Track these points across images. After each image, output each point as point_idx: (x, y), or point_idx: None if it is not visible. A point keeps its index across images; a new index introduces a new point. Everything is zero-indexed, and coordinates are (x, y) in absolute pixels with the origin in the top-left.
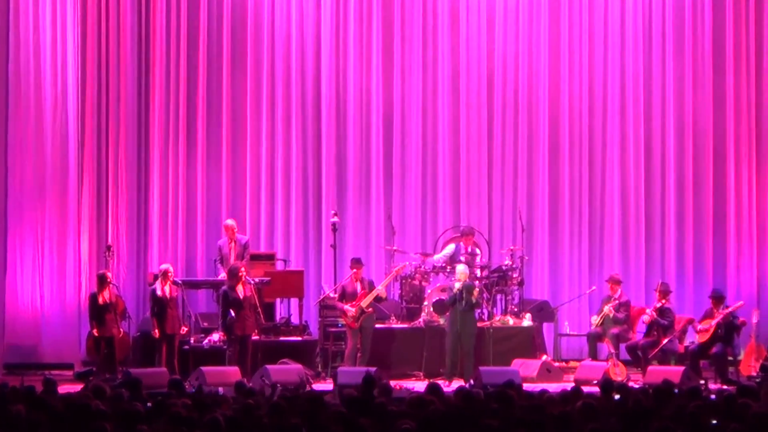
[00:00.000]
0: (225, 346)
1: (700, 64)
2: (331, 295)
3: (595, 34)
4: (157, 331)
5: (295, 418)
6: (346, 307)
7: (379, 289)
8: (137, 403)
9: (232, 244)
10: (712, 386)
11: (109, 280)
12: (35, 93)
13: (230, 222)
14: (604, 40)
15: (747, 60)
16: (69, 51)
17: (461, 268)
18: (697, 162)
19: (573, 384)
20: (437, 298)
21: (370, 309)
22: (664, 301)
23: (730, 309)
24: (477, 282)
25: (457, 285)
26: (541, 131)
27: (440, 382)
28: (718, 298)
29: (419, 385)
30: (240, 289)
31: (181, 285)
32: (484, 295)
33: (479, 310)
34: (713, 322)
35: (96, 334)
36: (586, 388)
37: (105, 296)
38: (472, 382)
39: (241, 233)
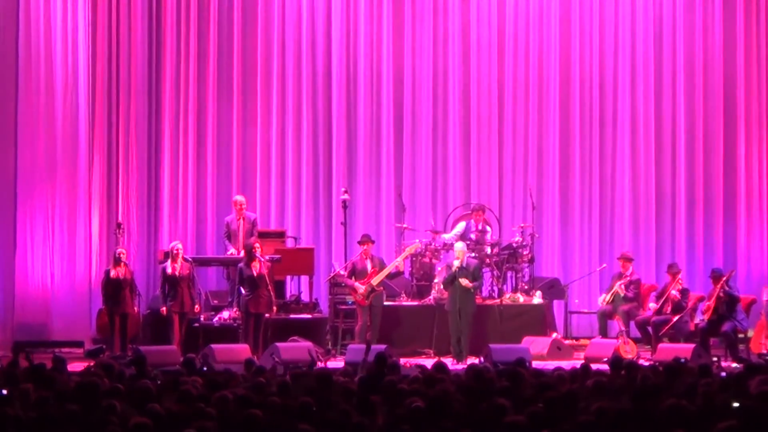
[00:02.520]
0: (236, 324)
1: (710, 42)
2: (341, 272)
3: (605, 11)
4: (164, 308)
5: (304, 396)
6: (356, 284)
7: (398, 262)
8: (147, 381)
9: (241, 220)
10: (723, 364)
11: (122, 258)
12: (45, 70)
13: (240, 198)
14: (615, 18)
15: (757, 42)
16: (79, 28)
17: (460, 246)
18: (707, 139)
19: (583, 362)
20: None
21: (380, 287)
22: (680, 280)
23: (723, 279)
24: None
25: (456, 263)
26: (552, 108)
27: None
28: (716, 277)
29: (429, 363)
30: (255, 266)
31: (191, 262)
32: (494, 272)
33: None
34: (714, 298)
35: (111, 311)
36: (595, 366)
37: (120, 273)
38: (482, 359)
39: (249, 210)
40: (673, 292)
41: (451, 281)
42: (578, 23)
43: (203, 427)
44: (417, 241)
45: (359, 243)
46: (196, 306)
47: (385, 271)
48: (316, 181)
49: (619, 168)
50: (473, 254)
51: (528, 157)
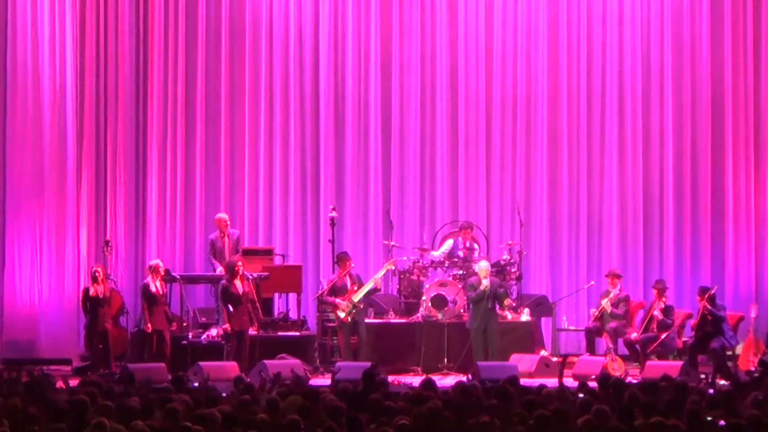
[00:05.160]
0: (223, 342)
1: (698, 58)
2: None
3: (593, 28)
4: (149, 325)
5: (292, 413)
6: (338, 300)
7: (376, 278)
8: (134, 398)
9: (225, 238)
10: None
11: (99, 276)
12: (33, 87)
13: (223, 215)
14: (602, 35)
15: (745, 59)
16: (67, 44)
17: (485, 265)
18: (695, 156)
19: (571, 379)
20: (436, 293)
21: (360, 304)
22: (664, 299)
23: (705, 297)
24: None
25: (485, 282)
26: (540, 125)
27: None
28: (703, 295)
29: (417, 381)
30: (238, 284)
31: (179, 279)
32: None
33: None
34: (698, 316)
35: (91, 328)
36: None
37: (98, 290)
38: (470, 376)
39: (236, 227)
40: (656, 312)
41: (478, 300)
42: (566, 40)
43: None
44: (405, 258)
45: (337, 263)
46: (174, 324)
47: (365, 288)
48: (304, 198)
49: (607, 185)
50: (461, 272)
51: (516, 174)
